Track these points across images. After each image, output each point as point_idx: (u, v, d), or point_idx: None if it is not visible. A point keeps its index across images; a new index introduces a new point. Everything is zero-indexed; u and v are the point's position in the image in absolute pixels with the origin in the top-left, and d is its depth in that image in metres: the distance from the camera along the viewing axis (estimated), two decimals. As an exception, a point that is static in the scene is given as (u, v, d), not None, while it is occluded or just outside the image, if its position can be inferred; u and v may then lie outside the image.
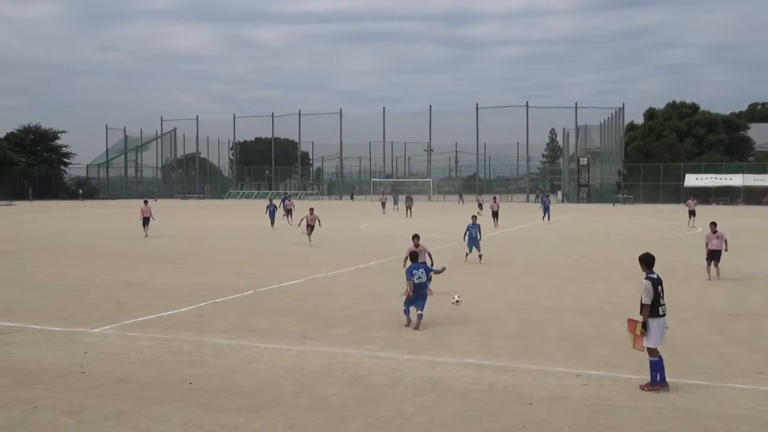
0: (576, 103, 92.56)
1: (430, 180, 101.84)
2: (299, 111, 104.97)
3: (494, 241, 29.62)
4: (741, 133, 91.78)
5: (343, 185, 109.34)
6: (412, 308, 12.40)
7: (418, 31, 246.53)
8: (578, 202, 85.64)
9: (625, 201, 79.46)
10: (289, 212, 41.36)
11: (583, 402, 8.21)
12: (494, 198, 44.96)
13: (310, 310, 14.07)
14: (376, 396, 8.41)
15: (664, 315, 8.82)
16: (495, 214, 39.72)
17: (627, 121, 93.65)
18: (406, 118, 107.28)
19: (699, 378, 9.15)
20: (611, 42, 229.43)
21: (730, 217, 47.48)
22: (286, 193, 72.82)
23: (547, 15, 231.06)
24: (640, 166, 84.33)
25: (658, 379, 8.67)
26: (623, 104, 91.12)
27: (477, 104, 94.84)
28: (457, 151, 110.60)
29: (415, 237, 15.11)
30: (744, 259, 23.03)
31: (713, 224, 18.92)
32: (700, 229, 37.10)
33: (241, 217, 50.85)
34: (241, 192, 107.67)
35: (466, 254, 21.83)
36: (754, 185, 78.33)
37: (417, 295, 12.34)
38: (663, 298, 8.85)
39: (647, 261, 9.05)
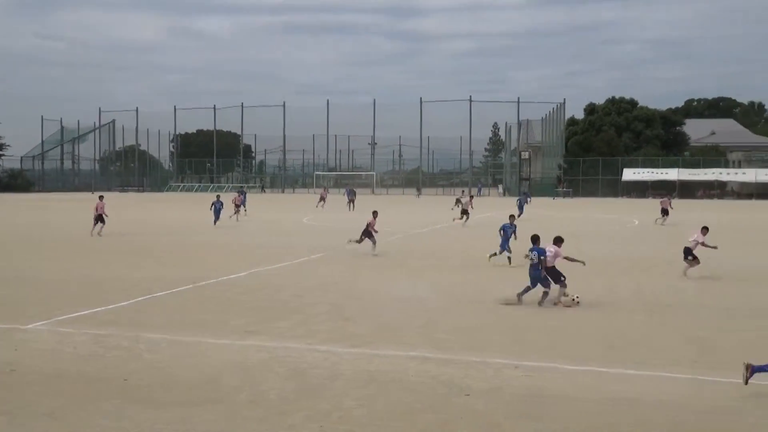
0: (518, 98, 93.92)
1: (374, 173, 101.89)
2: (242, 103, 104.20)
3: (438, 233, 29.81)
4: (677, 128, 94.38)
5: (286, 178, 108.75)
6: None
7: (367, 24, 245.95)
8: (519, 195, 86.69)
9: (565, 195, 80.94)
10: (237, 208, 38.01)
11: (520, 393, 8.29)
12: (471, 197, 41.08)
13: (251, 303, 13.91)
14: (316, 389, 8.34)
15: None
16: (464, 212, 35.85)
17: (570, 116, 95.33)
18: (351, 111, 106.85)
19: (636, 368, 9.32)
20: (557, 37, 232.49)
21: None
22: (242, 187, 71.46)
23: (493, 9, 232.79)
24: (580, 160, 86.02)
25: None
26: (564, 99, 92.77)
27: (421, 98, 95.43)
28: (401, 145, 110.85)
29: (558, 240, 14.65)
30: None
31: (704, 229, 18.14)
32: (658, 220, 37.35)
33: (182, 210, 50.02)
34: (182, 185, 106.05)
35: (493, 254, 19.98)
36: (688, 179, 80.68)
37: (531, 276, 14.03)
38: None
39: None
